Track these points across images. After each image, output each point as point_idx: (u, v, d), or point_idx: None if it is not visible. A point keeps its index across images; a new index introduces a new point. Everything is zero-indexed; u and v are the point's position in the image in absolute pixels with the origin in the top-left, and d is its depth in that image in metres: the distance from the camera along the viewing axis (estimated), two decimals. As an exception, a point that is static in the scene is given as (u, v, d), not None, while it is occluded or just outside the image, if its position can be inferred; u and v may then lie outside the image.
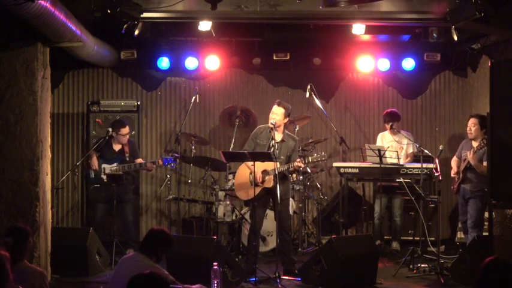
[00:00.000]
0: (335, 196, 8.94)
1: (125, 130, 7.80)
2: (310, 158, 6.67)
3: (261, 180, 6.60)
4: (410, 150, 8.08)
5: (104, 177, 7.67)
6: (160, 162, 7.75)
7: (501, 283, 3.29)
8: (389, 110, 8.27)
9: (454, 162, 7.44)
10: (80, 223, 8.88)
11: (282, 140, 6.75)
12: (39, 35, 6.00)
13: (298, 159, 6.57)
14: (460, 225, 7.97)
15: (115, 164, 7.74)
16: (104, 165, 7.74)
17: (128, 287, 3.10)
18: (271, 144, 6.72)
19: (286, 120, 6.80)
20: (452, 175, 7.36)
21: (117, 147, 7.87)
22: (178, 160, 7.86)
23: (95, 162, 7.75)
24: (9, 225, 4.96)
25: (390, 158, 7.71)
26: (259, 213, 6.82)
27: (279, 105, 6.75)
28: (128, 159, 7.83)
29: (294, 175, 7.78)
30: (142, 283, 3.11)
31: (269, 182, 6.61)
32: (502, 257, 3.82)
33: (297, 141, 6.93)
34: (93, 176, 7.79)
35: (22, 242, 4.31)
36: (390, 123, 8.09)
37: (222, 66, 8.94)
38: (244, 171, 6.76)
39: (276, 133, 6.71)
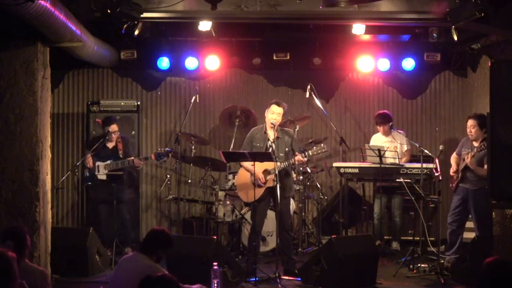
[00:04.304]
0: (335, 196, 8.94)
1: (112, 127, 7.76)
2: (310, 151, 6.69)
3: (263, 180, 6.61)
4: (405, 148, 8.07)
5: (99, 176, 7.64)
6: (153, 157, 7.72)
7: (502, 283, 3.30)
8: (380, 112, 8.25)
9: (453, 159, 7.41)
10: (81, 223, 8.88)
11: (277, 137, 6.75)
12: (39, 35, 5.99)
13: (298, 153, 6.57)
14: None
15: (109, 161, 7.72)
16: (97, 163, 7.72)
17: None
18: (268, 145, 6.72)
19: (282, 119, 6.86)
20: (451, 173, 7.35)
21: (110, 144, 7.83)
22: (171, 155, 7.83)
23: (89, 160, 7.74)
24: (5, 228, 4.92)
25: (390, 158, 7.71)
26: (261, 213, 6.83)
27: (279, 105, 6.74)
28: (121, 156, 7.79)
29: (294, 175, 7.78)
30: (154, 285, 3.11)
31: (271, 181, 6.62)
32: (502, 257, 3.81)
33: (293, 134, 6.94)
34: (87, 175, 7.78)
35: (21, 242, 4.32)
36: (382, 126, 8.07)
37: (222, 66, 8.93)
38: (245, 172, 6.76)
39: (270, 132, 6.72)
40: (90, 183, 7.76)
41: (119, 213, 7.80)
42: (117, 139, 7.84)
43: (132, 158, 7.76)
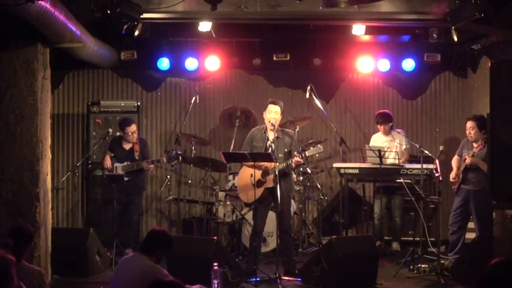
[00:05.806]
0: (335, 196, 8.94)
1: (130, 128, 7.81)
2: (307, 152, 6.67)
3: (271, 167, 6.57)
4: (404, 147, 8.06)
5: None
6: (165, 160, 7.75)
7: (505, 284, 3.29)
8: (381, 111, 8.25)
9: (454, 161, 7.34)
10: (81, 223, 8.89)
11: (277, 137, 6.75)
12: (39, 35, 6.00)
13: (295, 154, 6.57)
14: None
15: (126, 163, 7.78)
16: (116, 164, 7.82)
17: None
18: (267, 145, 6.72)
19: (281, 117, 6.82)
20: (451, 179, 7.24)
21: (127, 146, 7.91)
22: (181, 157, 7.85)
23: (108, 161, 7.81)
24: (13, 226, 4.96)
25: (390, 159, 7.70)
26: (262, 213, 6.83)
27: (275, 103, 6.74)
28: (137, 157, 7.85)
29: (295, 175, 7.77)
30: None
31: (270, 182, 6.62)
32: (503, 258, 3.79)
33: (293, 136, 6.91)
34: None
35: (23, 244, 4.31)
36: (382, 125, 8.06)
37: (222, 66, 8.93)
38: (246, 173, 6.75)
39: (270, 132, 6.72)
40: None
41: (128, 215, 7.84)
42: (135, 140, 7.89)
43: (148, 160, 7.82)
